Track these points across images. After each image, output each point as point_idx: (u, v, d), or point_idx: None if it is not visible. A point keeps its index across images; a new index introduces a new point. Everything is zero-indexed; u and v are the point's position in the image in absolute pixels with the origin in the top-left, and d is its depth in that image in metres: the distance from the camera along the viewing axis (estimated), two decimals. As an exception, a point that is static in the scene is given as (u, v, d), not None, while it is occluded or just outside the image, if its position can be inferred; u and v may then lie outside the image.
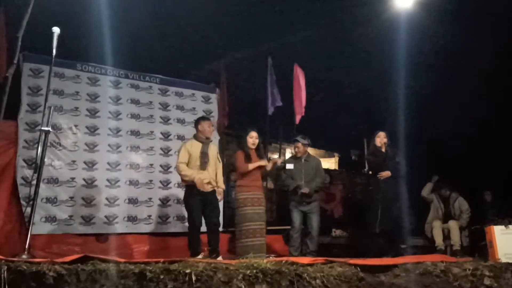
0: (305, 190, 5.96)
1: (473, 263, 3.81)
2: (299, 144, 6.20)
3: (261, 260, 3.43)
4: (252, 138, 5.68)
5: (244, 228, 5.44)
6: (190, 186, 5.33)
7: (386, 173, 5.95)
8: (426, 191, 7.16)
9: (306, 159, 6.23)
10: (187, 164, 5.33)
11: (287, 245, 6.41)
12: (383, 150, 6.09)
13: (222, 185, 5.58)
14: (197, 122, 5.62)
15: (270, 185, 9.30)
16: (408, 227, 6.02)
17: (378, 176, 6.02)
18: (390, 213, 5.81)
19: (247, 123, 6.57)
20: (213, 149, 5.61)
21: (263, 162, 5.65)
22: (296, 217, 5.98)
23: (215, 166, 5.51)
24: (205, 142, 5.46)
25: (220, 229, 7.08)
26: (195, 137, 5.51)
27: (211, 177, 5.41)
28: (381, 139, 6.11)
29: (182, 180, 5.45)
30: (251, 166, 5.55)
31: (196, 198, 5.26)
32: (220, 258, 5.03)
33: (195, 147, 5.37)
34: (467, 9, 7.45)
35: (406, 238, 5.91)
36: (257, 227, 5.45)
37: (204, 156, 5.34)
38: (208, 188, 5.32)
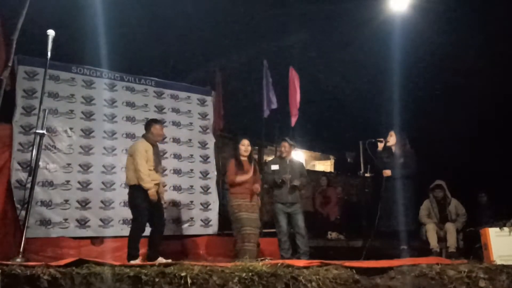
0: (296, 182, 5.97)
1: (468, 265, 3.83)
2: (286, 144, 6.25)
3: (256, 263, 3.43)
4: (244, 146, 5.73)
5: (242, 233, 5.46)
6: (136, 186, 5.19)
7: (387, 172, 5.95)
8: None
9: (291, 160, 6.27)
10: None
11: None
12: (393, 149, 6.07)
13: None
14: (150, 125, 5.46)
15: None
16: (409, 228, 5.99)
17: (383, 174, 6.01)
18: (392, 214, 5.78)
19: (242, 125, 6.57)
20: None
21: (246, 176, 5.62)
22: (282, 220, 5.98)
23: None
24: (156, 144, 5.45)
25: (215, 231, 7.12)
26: (146, 138, 5.40)
27: (160, 178, 5.40)
28: (392, 138, 6.08)
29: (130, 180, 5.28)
30: (238, 179, 5.60)
31: (144, 200, 5.15)
32: (160, 258, 4.96)
33: (149, 150, 5.28)
34: (462, 11, 7.50)
35: (405, 240, 5.86)
36: (252, 232, 5.47)
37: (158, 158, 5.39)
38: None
